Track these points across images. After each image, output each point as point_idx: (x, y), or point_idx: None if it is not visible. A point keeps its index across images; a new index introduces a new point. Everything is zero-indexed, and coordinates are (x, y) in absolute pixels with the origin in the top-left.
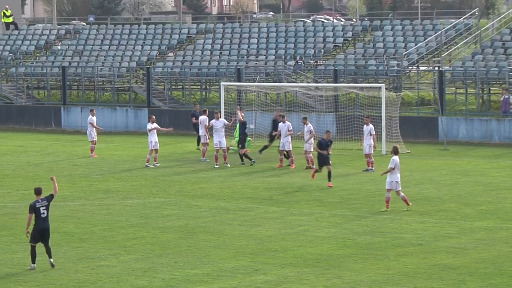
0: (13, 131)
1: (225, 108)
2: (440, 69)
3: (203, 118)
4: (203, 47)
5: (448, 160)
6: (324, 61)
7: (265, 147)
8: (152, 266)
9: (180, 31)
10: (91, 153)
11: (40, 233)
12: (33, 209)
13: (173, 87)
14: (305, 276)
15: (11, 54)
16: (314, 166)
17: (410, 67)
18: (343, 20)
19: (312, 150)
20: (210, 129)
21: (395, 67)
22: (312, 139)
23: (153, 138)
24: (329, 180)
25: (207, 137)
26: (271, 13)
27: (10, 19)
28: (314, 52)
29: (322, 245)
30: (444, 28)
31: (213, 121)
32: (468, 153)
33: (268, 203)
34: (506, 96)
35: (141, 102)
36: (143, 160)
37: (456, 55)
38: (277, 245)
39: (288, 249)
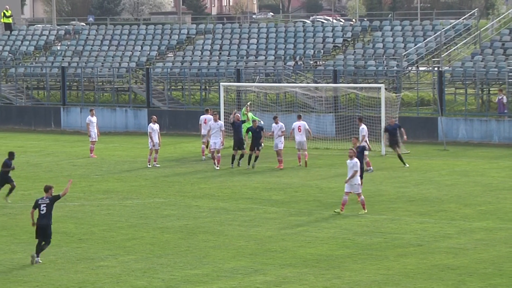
0: (13, 132)
1: (224, 109)
2: (440, 69)
3: (207, 117)
4: (203, 47)
5: (447, 160)
6: (323, 62)
7: (241, 156)
8: (152, 267)
9: (180, 32)
10: (91, 153)
11: (40, 229)
12: (36, 205)
13: (172, 87)
14: (304, 277)
15: (10, 55)
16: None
17: (410, 68)
18: (343, 21)
19: (282, 148)
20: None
21: (395, 68)
22: (283, 137)
23: (154, 138)
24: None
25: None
26: (271, 13)
27: (10, 20)
28: (314, 53)
29: (322, 246)
30: (443, 28)
31: (210, 122)
32: (467, 154)
33: (268, 204)
34: (500, 97)
35: (140, 103)
36: (143, 161)
37: (455, 55)
38: (277, 245)
39: (287, 250)
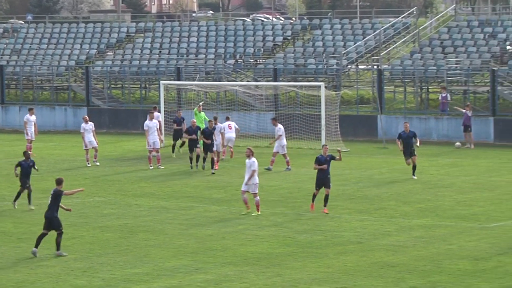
0: None
1: (165, 107)
2: (379, 68)
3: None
4: (143, 45)
5: (387, 158)
6: (263, 60)
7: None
8: (92, 266)
9: (119, 30)
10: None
11: (46, 220)
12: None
13: (112, 86)
14: (245, 275)
15: None
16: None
17: (349, 66)
18: (283, 19)
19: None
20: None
21: (335, 66)
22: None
23: (89, 138)
24: (325, 205)
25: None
26: (211, 12)
27: None
28: (254, 51)
29: (262, 244)
30: (382, 27)
31: (147, 121)
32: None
33: (208, 202)
34: (444, 95)
35: (80, 101)
36: (82, 160)
37: (394, 54)
38: (217, 244)
39: (228, 248)
